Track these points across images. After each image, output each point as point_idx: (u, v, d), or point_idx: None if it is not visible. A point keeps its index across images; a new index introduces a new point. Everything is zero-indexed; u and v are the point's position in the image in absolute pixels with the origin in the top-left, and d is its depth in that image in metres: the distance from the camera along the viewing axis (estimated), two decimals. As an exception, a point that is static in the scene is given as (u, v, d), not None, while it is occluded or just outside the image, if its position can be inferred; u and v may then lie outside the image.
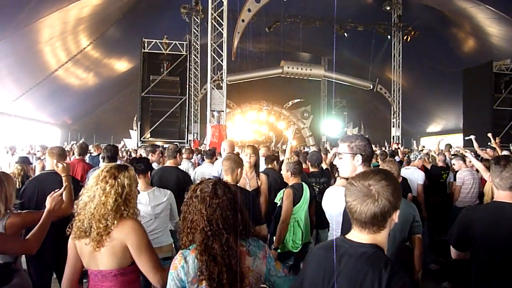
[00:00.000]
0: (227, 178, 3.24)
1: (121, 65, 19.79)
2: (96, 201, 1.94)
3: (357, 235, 1.41)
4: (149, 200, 3.13)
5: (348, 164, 2.25)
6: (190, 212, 1.72)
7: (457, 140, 16.37)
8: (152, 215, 3.11)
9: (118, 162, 4.15)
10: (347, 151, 2.25)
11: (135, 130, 15.64)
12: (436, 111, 21.62)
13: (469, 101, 15.61)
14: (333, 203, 3.05)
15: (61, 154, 3.52)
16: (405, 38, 18.43)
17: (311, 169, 4.99)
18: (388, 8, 18.10)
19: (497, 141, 7.28)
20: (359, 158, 2.23)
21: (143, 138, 13.66)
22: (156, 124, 13.80)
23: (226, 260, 1.62)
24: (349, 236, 1.45)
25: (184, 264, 1.67)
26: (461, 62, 16.41)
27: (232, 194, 1.75)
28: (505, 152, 6.80)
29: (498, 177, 2.33)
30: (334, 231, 3.11)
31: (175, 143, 5.73)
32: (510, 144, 8.84)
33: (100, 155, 5.07)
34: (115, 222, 1.93)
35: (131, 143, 15.17)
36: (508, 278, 2.23)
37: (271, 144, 19.08)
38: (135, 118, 17.20)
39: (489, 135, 7.48)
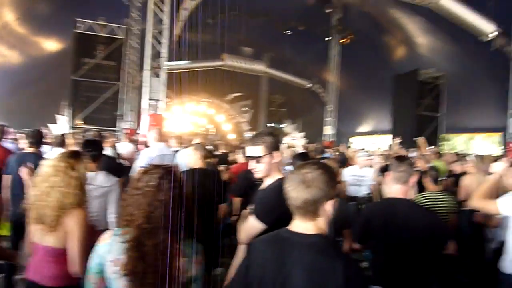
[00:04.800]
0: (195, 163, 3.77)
1: (51, 45, 18.35)
2: (57, 191, 2.09)
3: (301, 225, 1.48)
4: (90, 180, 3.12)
5: (268, 164, 2.23)
6: (130, 204, 1.62)
7: (385, 141, 17.40)
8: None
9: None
10: (265, 152, 2.20)
11: (64, 115, 14.67)
12: (368, 112, 22.85)
13: (397, 105, 16.69)
14: None
15: None
16: (342, 41, 19.19)
17: None
18: (329, 11, 18.69)
19: (421, 141, 7.92)
20: (276, 154, 2.23)
21: (74, 124, 12.89)
22: (89, 110, 13.10)
23: (155, 261, 1.54)
24: (293, 227, 1.50)
25: (112, 242, 1.61)
26: (392, 68, 17.47)
27: (180, 188, 1.65)
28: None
29: (395, 171, 2.58)
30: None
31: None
32: (433, 147, 9.64)
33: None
34: (70, 210, 2.10)
35: (58, 128, 14.19)
36: (402, 269, 2.44)
37: (211, 136, 18.95)
38: (64, 103, 16.10)
39: (420, 140, 8.07)
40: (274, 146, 2.24)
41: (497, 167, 2.76)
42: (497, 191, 2.80)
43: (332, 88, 19.89)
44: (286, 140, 6.29)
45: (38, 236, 2.16)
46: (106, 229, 3.25)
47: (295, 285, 1.39)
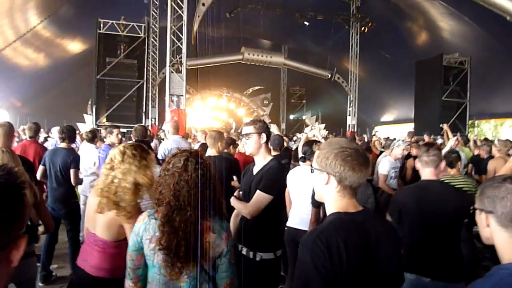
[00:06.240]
0: (212, 151, 4.03)
1: (75, 46, 18.87)
2: (134, 177, 2.14)
3: (353, 203, 1.50)
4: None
5: (256, 142, 2.65)
6: (161, 184, 1.80)
7: (408, 129, 17.14)
8: None
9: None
10: (254, 131, 2.65)
11: (90, 114, 15.09)
12: (390, 101, 22.49)
13: (420, 92, 16.35)
14: (299, 182, 3.43)
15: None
16: (362, 29, 18.89)
17: (274, 152, 5.02)
18: (347, -1, 18.45)
19: (446, 128, 7.79)
20: (264, 136, 2.67)
21: (99, 122, 13.22)
22: (112, 108, 13.39)
23: (187, 235, 1.68)
24: (348, 208, 1.49)
25: (147, 221, 1.77)
26: (414, 54, 17.10)
27: (204, 171, 1.78)
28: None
29: (425, 156, 2.75)
30: (300, 209, 3.45)
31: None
32: (458, 134, 9.46)
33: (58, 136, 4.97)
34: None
35: (85, 127, 14.62)
36: (436, 248, 2.58)
37: (231, 130, 19.11)
38: (89, 102, 16.56)
39: (444, 126, 7.95)
40: (263, 129, 2.68)
41: None
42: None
43: (352, 77, 19.65)
44: (306, 131, 6.28)
45: (92, 223, 2.22)
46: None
47: (385, 257, 1.46)
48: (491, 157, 5.43)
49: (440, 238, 2.57)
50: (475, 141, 7.77)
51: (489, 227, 1.38)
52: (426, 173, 2.74)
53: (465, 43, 15.77)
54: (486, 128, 17.91)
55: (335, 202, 1.50)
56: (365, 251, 1.42)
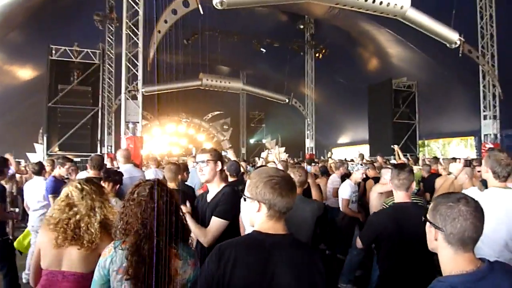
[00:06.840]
0: (171, 185, 3.87)
1: (25, 73, 18.15)
2: (100, 212, 2.18)
3: (276, 226, 1.56)
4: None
5: (212, 169, 2.74)
6: (126, 214, 1.81)
7: (364, 151, 17.73)
8: None
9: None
10: (209, 159, 2.74)
11: (41, 143, 14.44)
12: (346, 124, 23.26)
13: (373, 114, 17.05)
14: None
15: None
16: (317, 55, 19.62)
17: (231, 179, 4.99)
18: (301, 26, 19.16)
19: (397, 149, 8.15)
20: (219, 164, 2.77)
21: (50, 152, 12.65)
22: (65, 137, 12.88)
23: (154, 262, 1.70)
24: (268, 230, 1.56)
25: (114, 253, 1.75)
26: (366, 79, 17.91)
27: (168, 198, 1.83)
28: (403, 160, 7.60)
29: (396, 179, 2.71)
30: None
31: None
32: (408, 155, 9.90)
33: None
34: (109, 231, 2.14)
35: (36, 157, 13.93)
36: (417, 269, 2.56)
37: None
38: (40, 130, 15.89)
39: (395, 147, 8.32)
40: (218, 157, 2.79)
41: (454, 168, 2.96)
42: (459, 189, 3.01)
43: (309, 101, 20.21)
44: (263, 155, 6.33)
45: (53, 260, 2.13)
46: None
47: (283, 283, 1.47)
48: (434, 175, 5.74)
49: (418, 259, 2.54)
50: (423, 161, 8.17)
51: (436, 241, 1.48)
52: (399, 196, 2.75)
53: (412, 68, 16.76)
54: (435, 148, 18.91)
55: (262, 224, 1.57)
56: (261, 270, 1.47)
